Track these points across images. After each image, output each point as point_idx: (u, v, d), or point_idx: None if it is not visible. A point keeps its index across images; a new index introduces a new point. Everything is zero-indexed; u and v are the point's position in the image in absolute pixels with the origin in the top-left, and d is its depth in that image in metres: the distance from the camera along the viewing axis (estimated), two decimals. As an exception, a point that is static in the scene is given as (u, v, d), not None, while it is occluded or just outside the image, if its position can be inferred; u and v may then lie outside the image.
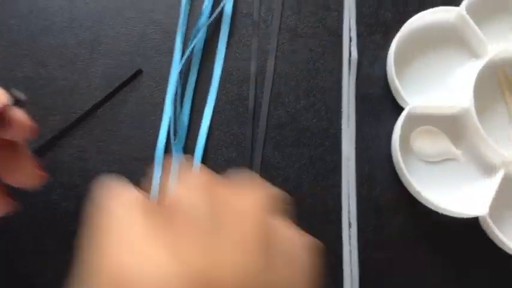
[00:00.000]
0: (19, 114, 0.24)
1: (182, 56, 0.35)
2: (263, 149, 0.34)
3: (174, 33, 0.36)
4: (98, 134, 0.34)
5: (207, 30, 0.36)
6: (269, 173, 0.34)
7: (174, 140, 0.33)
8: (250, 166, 0.34)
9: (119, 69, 0.35)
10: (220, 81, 0.35)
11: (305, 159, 0.34)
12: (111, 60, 0.35)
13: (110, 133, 0.34)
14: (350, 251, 0.33)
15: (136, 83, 0.35)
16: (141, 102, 0.35)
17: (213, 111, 0.35)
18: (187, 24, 0.36)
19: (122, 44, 0.36)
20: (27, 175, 0.25)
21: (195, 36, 0.36)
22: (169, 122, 0.34)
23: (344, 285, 0.32)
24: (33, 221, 0.32)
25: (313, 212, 0.33)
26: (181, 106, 0.34)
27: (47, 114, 0.34)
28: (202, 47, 0.36)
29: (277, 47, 0.37)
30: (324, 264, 0.32)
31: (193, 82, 0.35)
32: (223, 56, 0.36)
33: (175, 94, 0.34)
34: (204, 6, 0.36)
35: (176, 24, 0.36)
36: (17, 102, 0.24)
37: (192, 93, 0.35)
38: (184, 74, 0.35)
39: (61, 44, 0.35)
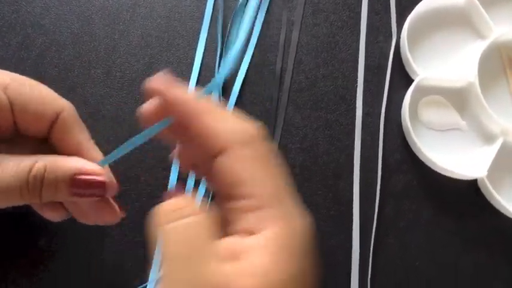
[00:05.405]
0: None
1: (211, 23, 0.39)
2: (285, 109, 0.38)
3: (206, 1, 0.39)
4: (135, 91, 0.37)
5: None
6: (289, 131, 0.37)
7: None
8: (274, 124, 0.37)
9: (156, 31, 0.38)
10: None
11: (322, 121, 0.38)
12: (149, 23, 0.39)
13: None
14: (359, 204, 0.36)
15: (171, 44, 0.38)
16: (176, 62, 0.38)
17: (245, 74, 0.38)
18: (220, -6, 0.40)
19: (159, 9, 0.39)
20: (108, 217, 0.26)
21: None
22: (197, 81, 0.37)
23: (353, 232, 0.35)
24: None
25: (327, 168, 0.37)
26: (219, 67, 0.38)
27: (90, 67, 0.37)
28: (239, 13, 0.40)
29: (301, 20, 0.40)
30: (336, 213, 0.35)
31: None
32: (260, 26, 0.39)
33: (220, 57, 0.38)
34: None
35: (209, -6, 0.40)
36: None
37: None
38: (223, 38, 0.39)
39: (104, 5, 0.39)
